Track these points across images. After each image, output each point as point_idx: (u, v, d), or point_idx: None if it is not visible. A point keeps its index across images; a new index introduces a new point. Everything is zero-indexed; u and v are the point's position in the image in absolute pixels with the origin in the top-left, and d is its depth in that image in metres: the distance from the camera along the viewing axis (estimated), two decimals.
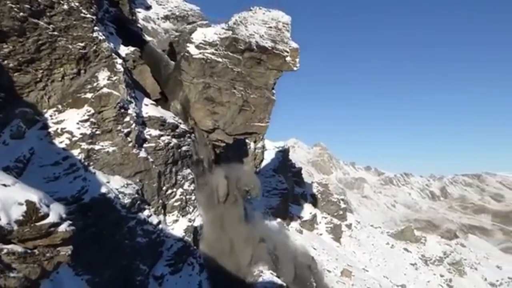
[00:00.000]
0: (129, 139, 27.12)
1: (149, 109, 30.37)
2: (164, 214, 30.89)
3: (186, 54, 34.81)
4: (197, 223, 33.92)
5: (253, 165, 52.80)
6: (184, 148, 32.46)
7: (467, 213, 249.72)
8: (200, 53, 34.85)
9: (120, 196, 25.54)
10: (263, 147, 57.55)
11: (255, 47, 34.63)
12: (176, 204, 31.74)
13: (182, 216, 32.68)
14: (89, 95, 26.28)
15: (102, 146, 26.13)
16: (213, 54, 34.98)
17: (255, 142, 55.34)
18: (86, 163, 24.95)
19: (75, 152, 24.77)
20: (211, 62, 34.68)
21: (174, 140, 31.26)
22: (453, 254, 70.10)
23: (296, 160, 70.20)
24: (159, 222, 29.24)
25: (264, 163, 56.21)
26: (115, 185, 25.80)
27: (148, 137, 29.26)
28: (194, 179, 33.94)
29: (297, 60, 35.97)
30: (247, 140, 53.39)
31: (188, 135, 33.32)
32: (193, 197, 33.71)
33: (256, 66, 35.56)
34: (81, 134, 25.15)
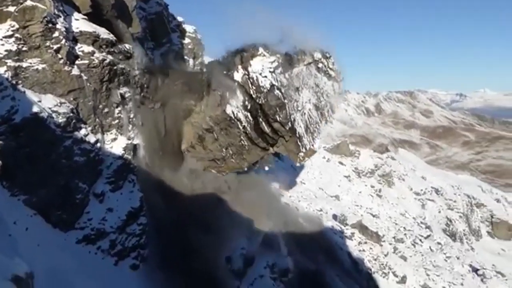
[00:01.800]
0: (59, 55, 25.78)
1: (80, 24, 28.64)
2: (102, 133, 30.37)
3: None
4: (136, 141, 33.76)
5: None
6: (121, 66, 31.35)
7: (399, 128, 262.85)
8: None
9: (53, 115, 24.72)
10: (203, 63, 56.60)
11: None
12: (114, 122, 31.20)
13: (121, 134, 32.31)
14: (11, 9, 24.43)
15: (31, 63, 24.77)
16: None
17: (194, 58, 54.29)
18: (14, 82, 23.70)
19: (1, 70, 23.39)
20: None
21: (110, 57, 30.04)
22: (384, 167, 74.68)
23: None
24: (97, 141, 28.82)
25: None
26: (47, 104, 24.84)
27: (80, 53, 27.89)
28: (132, 97, 33.24)
29: (305, 159, 36.54)
30: (186, 57, 52.26)
31: (125, 51, 32.12)
32: (131, 115, 33.21)
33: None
34: (6, 51, 23.65)
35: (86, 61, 28.14)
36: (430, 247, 60.47)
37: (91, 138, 28.14)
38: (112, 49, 30.48)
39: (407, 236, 60.65)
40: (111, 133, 31.08)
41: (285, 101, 39.20)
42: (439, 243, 62.27)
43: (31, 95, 24.26)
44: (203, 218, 35.21)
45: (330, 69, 45.70)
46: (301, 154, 40.24)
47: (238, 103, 38.88)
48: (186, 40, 52.94)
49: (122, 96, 31.89)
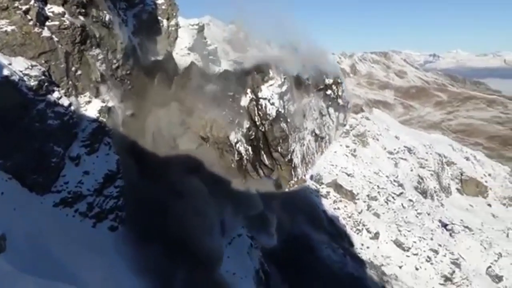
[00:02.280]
0: (29, 17, 25.06)
1: None
2: (76, 96, 29.97)
3: None
4: (111, 103, 33.41)
5: (167, 43, 51.26)
6: (96, 32, 30.63)
7: (373, 89, 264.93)
8: None
9: (25, 78, 24.24)
10: (177, 24, 55.55)
11: None
12: (87, 85, 30.76)
13: (95, 97, 31.93)
14: None
15: None
16: None
17: (168, 19, 53.18)
18: None
19: None
20: None
21: (82, 18, 29.29)
22: (358, 127, 75.71)
23: (212, 38, 68.80)
24: (71, 104, 28.45)
25: (178, 42, 54.67)
26: (18, 67, 24.30)
27: (50, 14, 27.12)
28: (105, 58, 32.66)
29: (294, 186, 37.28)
30: (159, 18, 51.14)
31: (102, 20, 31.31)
32: (105, 78, 32.75)
33: None
34: None
35: (57, 23, 27.44)
36: (402, 204, 62.34)
37: (65, 101, 27.76)
38: (84, 11, 29.69)
39: (381, 194, 62.30)
40: (85, 96, 30.69)
41: (289, 133, 39.45)
42: (410, 200, 64.19)
43: (0, 58, 23.65)
44: (180, 182, 35.41)
45: (339, 96, 46.00)
46: (292, 182, 41.34)
47: (242, 131, 39.05)
48: (160, 0, 51.70)
49: (95, 58, 31.31)
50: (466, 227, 64.33)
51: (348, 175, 63.10)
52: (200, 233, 33.21)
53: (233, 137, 40.22)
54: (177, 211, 32.55)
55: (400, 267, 52.97)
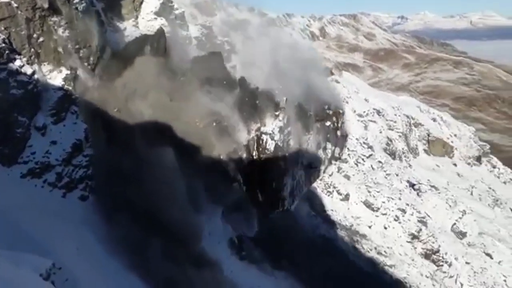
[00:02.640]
0: None
1: None
2: (39, 64, 29.02)
3: None
4: (76, 70, 32.52)
5: (132, 8, 49.70)
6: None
7: (343, 52, 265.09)
8: None
9: None
10: None
11: None
12: (51, 52, 29.77)
13: (60, 64, 31.00)
14: None
15: None
16: None
17: None
18: None
19: None
20: None
21: None
22: None
23: (179, 2, 67.08)
24: (34, 72, 27.57)
25: (144, 6, 53.05)
26: None
27: None
28: (68, 24, 31.54)
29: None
30: None
31: None
32: (69, 45, 31.74)
33: None
34: None
35: None
36: (371, 166, 63.60)
37: (28, 70, 26.89)
38: None
39: (351, 156, 63.33)
40: (49, 64, 29.74)
41: (286, 170, 39.15)
42: (380, 162, 65.52)
43: None
44: (150, 152, 35.04)
45: (338, 128, 45.58)
46: (278, 211, 41.44)
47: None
48: None
49: (58, 24, 30.20)
50: (433, 186, 66.31)
51: None
52: (169, 205, 33.08)
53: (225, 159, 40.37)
54: (145, 181, 32.29)
55: (370, 226, 54.52)
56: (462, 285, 52.51)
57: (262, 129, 45.35)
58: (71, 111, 30.95)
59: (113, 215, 30.34)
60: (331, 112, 59.10)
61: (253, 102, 47.65)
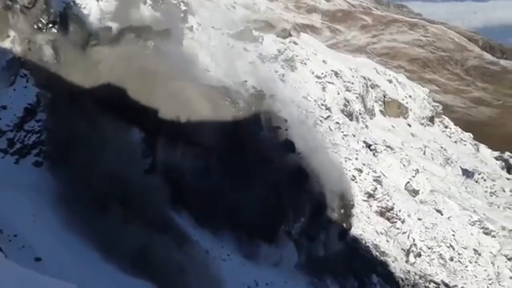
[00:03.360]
0: None
1: None
2: None
3: None
4: (25, 31, 30.91)
5: None
6: None
7: (301, 13, 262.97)
8: None
9: None
10: None
11: None
12: None
13: (7, 26, 29.38)
14: None
15: None
16: None
17: None
18: None
19: None
20: None
21: None
22: (287, 52, 75.61)
23: None
24: None
25: None
26: None
27: None
28: None
29: None
30: None
31: None
32: (16, 5, 30.00)
33: None
34: None
35: None
36: (329, 127, 64.44)
37: None
38: None
39: (309, 117, 63.83)
40: None
41: None
42: (337, 123, 66.44)
43: None
44: (109, 108, 34.05)
45: None
46: None
47: None
48: None
49: None
50: (388, 146, 68.03)
51: (277, 100, 63.66)
52: (129, 170, 32.51)
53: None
54: (104, 147, 31.53)
55: None
56: (414, 240, 54.91)
57: None
58: (20, 75, 29.72)
59: (69, 181, 29.65)
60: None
61: None
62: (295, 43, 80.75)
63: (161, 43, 45.70)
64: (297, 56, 75.27)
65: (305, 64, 74.97)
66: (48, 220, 26.55)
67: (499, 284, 53.70)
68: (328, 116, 67.02)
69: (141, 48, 42.96)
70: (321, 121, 64.91)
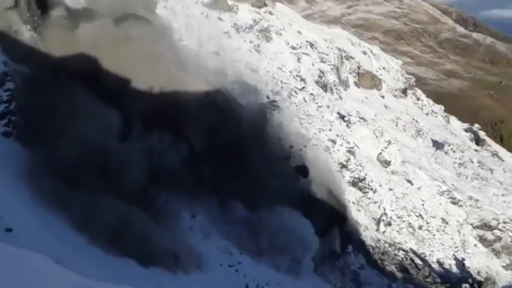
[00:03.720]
0: None
1: None
2: None
3: None
4: None
5: None
6: None
7: None
8: None
9: None
10: None
11: None
12: None
13: None
14: None
15: None
16: None
17: None
18: None
19: None
20: None
21: None
22: (262, 22, 74.82)
23: None
24: None
25: None
26: None
27: None
28: None
29: None
30: None
31: None
32: None
33: None
34: None
35: None
36: (304, 98, 64.61)
37: None
38: None
39: (284, 88, 63.81)
40: None
41: None
42: (312, 94, 66.64)
43: None
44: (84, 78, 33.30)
45: None
46: None
47: None
48: None
49: None
50: (361, 118, 68.79)
51: (252, 71, 63.39)
52: (101, 135, 31.94)
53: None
54: (72, 114, 30.89)
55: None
56: (384, 209, 56.30)
57: None
58: None
59: (41, 152, 29.10)
60: None
61: None
62: (271, 13, 79.82)
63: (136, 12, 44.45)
64: (272, 26, 74.63)
65: (280, 34, 74.48)
66: (19, 191, 26.09)
67: (465, 252, 55.83)
68: (303, 87, 67.07)
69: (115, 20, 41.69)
70: (295, 92, 64.94)
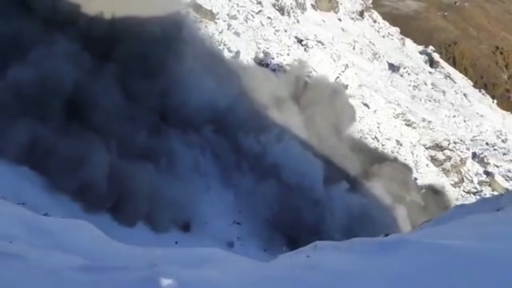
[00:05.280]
0: None
1: None
2: None
3: None
4: None
5: None
6: None
7: None
8: None
9: None
10: None
11: None
12: None
13: None
14: None
15: None
16: None
17: None
18: None
19: None
20: None
21: None
22: None
23: None
24: None
25: None
26: None
27: None
28: None
29: None
30: None
31: None
32: None
33: None
34: None
35: None
36: (261, 22, 62.88)
37: None
38: None
39: (240, 12, 61.71)
40: None
41: None
42: (269, 18, 64.90)
43: None
44: None
45: None
46: None
47: None
48: None
49: None
50: (319, 41, 67.91)
51: None
52: None
53: None
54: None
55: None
56: None
57: None
58: None
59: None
60: None
61: None
62: None
63: None
64: None
65: None
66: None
67: (417, 172, 58.11)
68: (260, 11, 65.16)
69: None
70: (252, 16, 63.03)
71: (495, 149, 67.17)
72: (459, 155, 62.18)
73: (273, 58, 58.15)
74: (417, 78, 78.44)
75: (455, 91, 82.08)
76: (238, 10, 61.80)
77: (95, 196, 28.39)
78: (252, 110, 44.66)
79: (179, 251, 7.88)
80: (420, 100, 73.54)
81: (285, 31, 65.71)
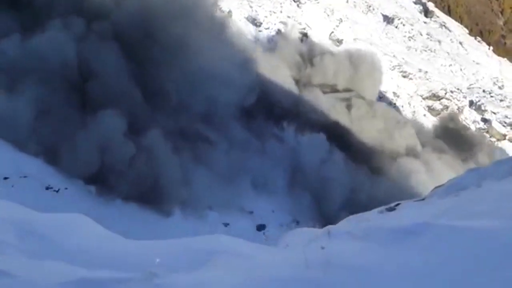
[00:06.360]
0: None
1: None
2: None
3: None
4: None
5: None
6: None
7: None
8: None
9: None
10: None
11: None
12: None
13: None
14: None
15: None
16: None
17: None
18: None
19: None
20: None
21: None
22: None
23: None
24: None
25: None
26: None
27: None
28: None
29: None
30: None
31: None
32: None
33: None
34: None
35: None
36: None
37: None
38: None
39: None
40: None
41: None
42: None
43: None
44: None
45: None
46: None
47: None
48: None
49: None
50: None
51: None
52: None
53: None
54: None
55: (255, 42, 55.20)
56: None
57: None
58: None
59: None
60: None
61: None
62: None
63: None
64: None
65: None
66: None
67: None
68: None
69: None
70: None
71: (492, 96, 67.25)
72: (456, 104, 62.45)
73: (266, 17, 57.53)
74: (412, 29, 77.58)
75: (450, 39, 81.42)
76: None
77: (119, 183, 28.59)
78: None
79: (181, 249, 7.32)
80: (416, 50, 73.01)
81: None
